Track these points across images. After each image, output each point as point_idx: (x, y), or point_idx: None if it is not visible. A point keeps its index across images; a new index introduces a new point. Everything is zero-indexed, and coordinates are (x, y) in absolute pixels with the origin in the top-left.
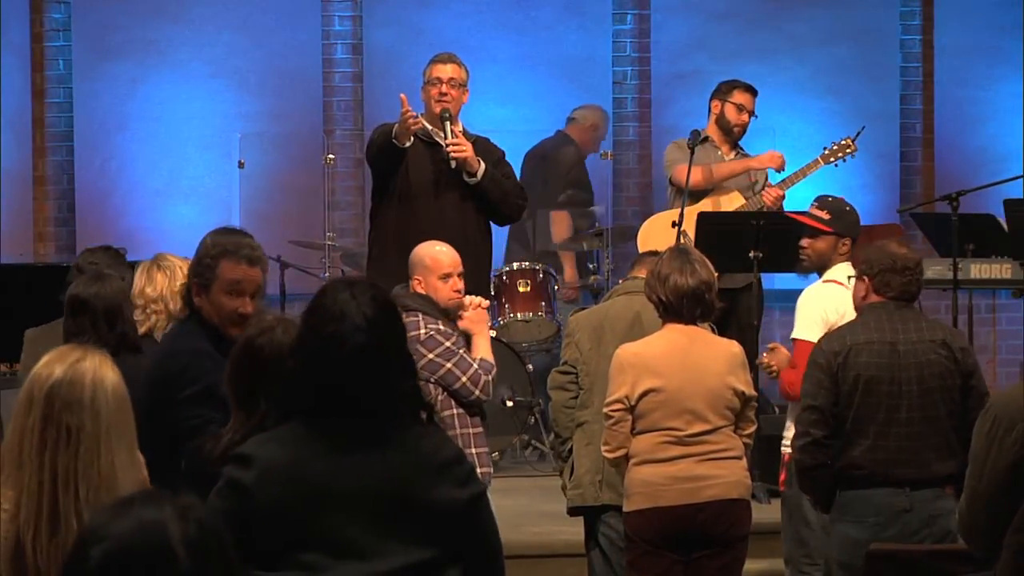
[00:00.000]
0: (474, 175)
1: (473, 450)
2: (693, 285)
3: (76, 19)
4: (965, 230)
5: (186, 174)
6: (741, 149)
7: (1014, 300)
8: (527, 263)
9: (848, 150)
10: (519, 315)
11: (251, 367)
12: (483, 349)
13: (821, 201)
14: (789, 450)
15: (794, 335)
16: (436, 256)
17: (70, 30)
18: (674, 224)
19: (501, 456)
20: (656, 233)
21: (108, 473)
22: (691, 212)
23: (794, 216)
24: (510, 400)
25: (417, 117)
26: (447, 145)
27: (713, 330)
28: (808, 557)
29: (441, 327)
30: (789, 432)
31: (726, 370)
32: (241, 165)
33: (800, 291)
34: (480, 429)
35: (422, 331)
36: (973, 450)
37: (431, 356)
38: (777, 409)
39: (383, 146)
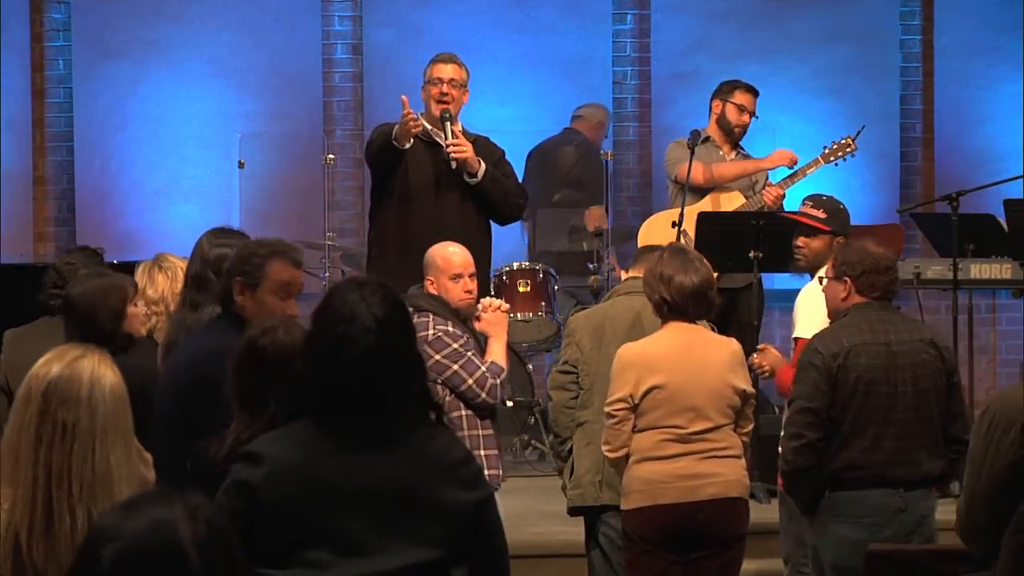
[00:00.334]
0: (475, 175)
1: (482, 452)
2: (697, 283)
3: (76, 19)
4: (965, 230)
5: (186, 174)
6: (742, 149)
7: (1014, 300)
8: (527, 263)
9: (848, 149)
10: (519, 315)
11: (254, 368)
12: (497, 352)
13: (815, 200)
14: None
15: (796, 334)
16: (448, 257)
17: (70, 30)
18: (674, 224)
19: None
20: (656, 233)
21: (102, 470)
22: (691, 212)
23: (790, 215)
24: (510, 400)
25: (418, 120)
26: (447, 145)
27: (713, 329)
28: (807, 557)
29: (450, 328)
30: None
31: (727, 368)
32: (241, 165)
33: (800, 291)
34: (490, 431)
35: (430, 332)
36: (971, 451)
37: (438, 357)
38: (777, 409)
39: (383, 146)
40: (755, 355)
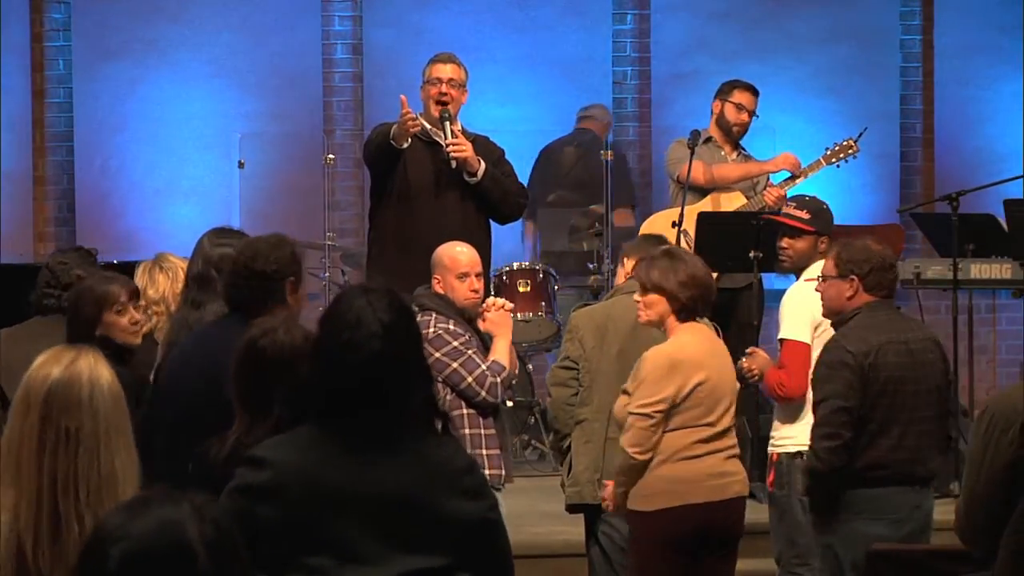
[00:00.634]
0: (474, 174)
1: (483, 452)
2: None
3: (76, 19)
4: (965, 230)
5: (186, 174)
6: (743, 150)
7: (1014, 300)
8: (527, 263)
9: (850, 151)
10: (519, 315)
11: (254, 368)
12: (501, 352)
13: (799, 201)
14: (778, 450)
15: (782, 335)
16: (455, 256)
17: (70, 30)
18: (674, 224)
19: None
20: (656, 233)
21: (108, 472)
22: (691, 212)
23: (774, 217)
24: (510, 400)
25: (416, 119)
26: (447, 145)
27: (717, 330)
28: (799, 557)
29: (451, 327)
30: (778, 432)
31: (733, 367)
32: (241, 165)
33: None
34: (492, 431)
35: (431, 330)
36: (970, 450)
37: (438, 355)
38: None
39: (381, 145)
40: (743, 359)
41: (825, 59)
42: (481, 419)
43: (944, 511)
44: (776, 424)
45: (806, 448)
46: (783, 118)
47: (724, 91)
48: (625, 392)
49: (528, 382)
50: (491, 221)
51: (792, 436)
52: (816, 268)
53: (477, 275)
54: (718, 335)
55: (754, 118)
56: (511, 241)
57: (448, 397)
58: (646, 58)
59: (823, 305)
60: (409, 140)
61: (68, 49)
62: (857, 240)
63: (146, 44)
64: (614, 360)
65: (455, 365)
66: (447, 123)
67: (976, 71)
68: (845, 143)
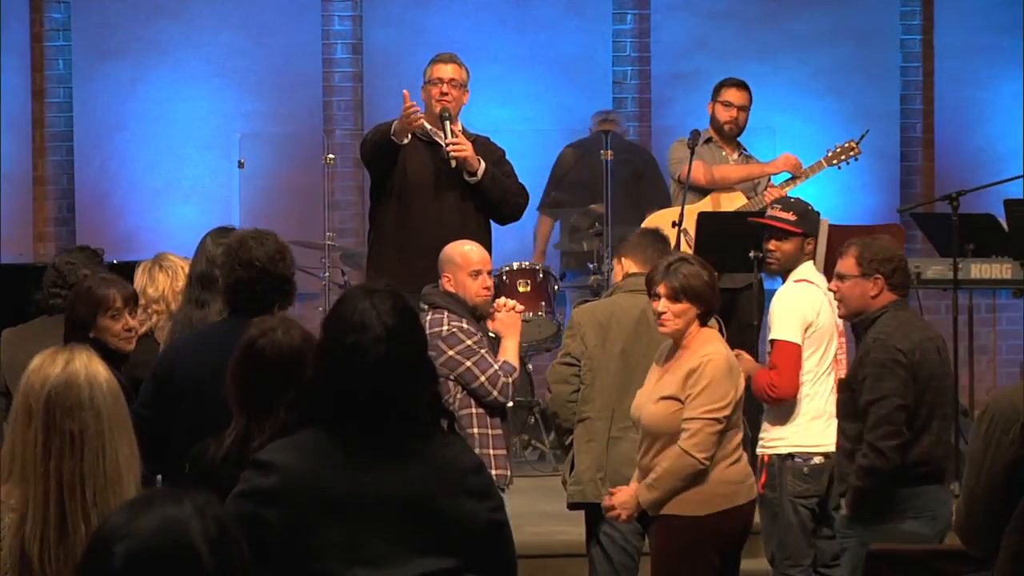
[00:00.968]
0: (474, 174)
1: (491, 451)
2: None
3: (76, 19)
4: (965, 230)
5: (186, 174)
6: (745, 150)
7: (1014, 300)
8: (527, 263)
9: (852, 152)
10: None
11: (252, 368)
12: (510, 352)
13: (784, 203)
14: (769, 451)
15: (773, 336)
16: (466, 253)
17: (70, 30)
18: (674, 224)
19: None
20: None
21: (113, 471)
22: (691, 211)
23: (761, 219)
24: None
25: (419, 112)
26: (447, 145)
27: (722, 330)
28: (790, 559)
29: (464, 325)
30: (768, 434)
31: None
32: (241, 165)
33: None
34: (499, 431)
35: (444, 328)
36: (971, 450)
37: (451, 353)
38: None
39: (379, 143)
40: None
41: (825, 59)
42: (489, 419)
43: None
44: (765, 425)
45: (798, 449)
46: (783, 118)
47: (714, 92)
48: (674, 399)
49: (528, 382)
50: (491, 221)
51: (784, 437)
52: (803, 270)
53: (488, 272)
54: (722, 335)
55: (749, 113)
56: (512, 241)
57: (459, 395)
58: (646, 58)
59: (842, 305)
60: (409, 136)
61: (68, 49)
62: (876, 239)
63: (146, 44)
64: (617, 359)
65: (468, 364)
66: (447, 123)
67: (976, 71)
68: (847, 144)
